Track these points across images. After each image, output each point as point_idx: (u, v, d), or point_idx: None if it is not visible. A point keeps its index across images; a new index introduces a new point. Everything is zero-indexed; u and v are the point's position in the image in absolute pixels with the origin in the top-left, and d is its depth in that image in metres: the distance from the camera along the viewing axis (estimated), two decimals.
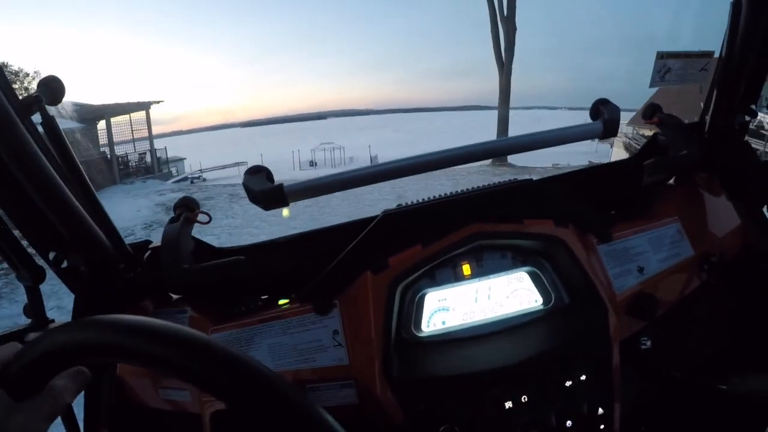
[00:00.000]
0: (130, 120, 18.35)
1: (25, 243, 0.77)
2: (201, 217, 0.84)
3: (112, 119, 17.26)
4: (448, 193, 0.86)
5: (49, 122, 0.68)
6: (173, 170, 22.10)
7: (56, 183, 0.70)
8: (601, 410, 0.76)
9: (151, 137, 18.71)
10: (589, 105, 0.90)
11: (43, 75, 0.72)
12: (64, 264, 0.80)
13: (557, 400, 0.75)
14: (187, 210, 0.85)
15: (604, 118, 0.84)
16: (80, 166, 0.74)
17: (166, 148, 19.56)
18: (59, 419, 0.68)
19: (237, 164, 26.45)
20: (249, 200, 0.79)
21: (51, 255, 0.79)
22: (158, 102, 19.70)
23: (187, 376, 0.39)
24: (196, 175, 23.07)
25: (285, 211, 0.82)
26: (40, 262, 0.80)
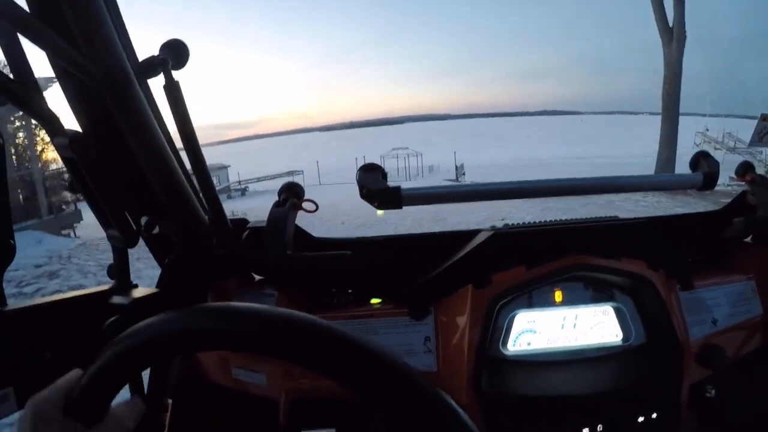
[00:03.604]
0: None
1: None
2: (307, 205, 0.83)
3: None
4: (553, 220, 0.89)
5: (172, 86, 0.67)
6: (214, 180, 18.56)
7: (164, 148, 0.70)
8: None
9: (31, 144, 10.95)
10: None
11: None
12: (155, 230, 0.80)
13: None
14: (293, 196, 0.84)
15: (704, 170, 0.88)
16: (195, 134, 0.72)
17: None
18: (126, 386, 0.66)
19: (291, 173, 22.90)
20: (361, 197, 0.79)
21: (143, 220, 0.79)
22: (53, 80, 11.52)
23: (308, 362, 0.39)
24: (242, 186, 19.33)
25: (379, 212, 0.83)
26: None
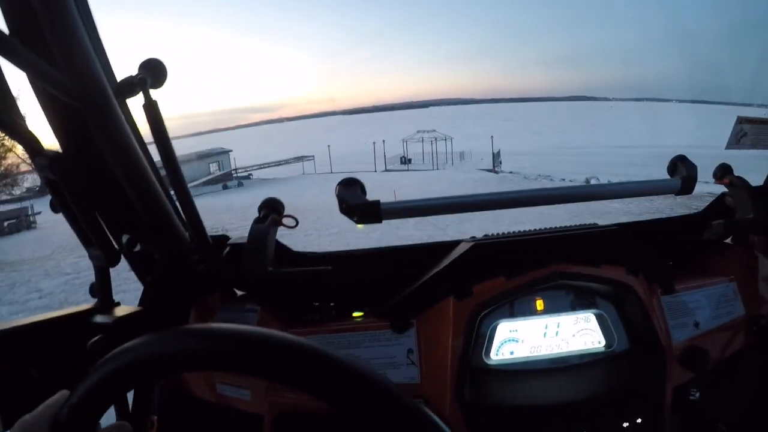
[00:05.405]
0: None
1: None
2: (288, 221, 0.83)
3: None
4: (533, 229, 0.89)
5: (150, 105, 0.67)
6: (213, 167, 16.30)
7: (143, 167, 0.71)
8: None
9: None
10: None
11: None
12: (137, 248, 0.81)
13: None
14: (273, 212, 0.83)
15: (682, 175, 0.87)
16: (174, 152, 0.72)
17: None
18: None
19: (301, 158, 20.51)
20: (340, 211, 0.79)
21: (124, 238, 0.79)
22: None
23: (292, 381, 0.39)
24: (239, 174, 16.86)
25: (360, 225, 0.82)
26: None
